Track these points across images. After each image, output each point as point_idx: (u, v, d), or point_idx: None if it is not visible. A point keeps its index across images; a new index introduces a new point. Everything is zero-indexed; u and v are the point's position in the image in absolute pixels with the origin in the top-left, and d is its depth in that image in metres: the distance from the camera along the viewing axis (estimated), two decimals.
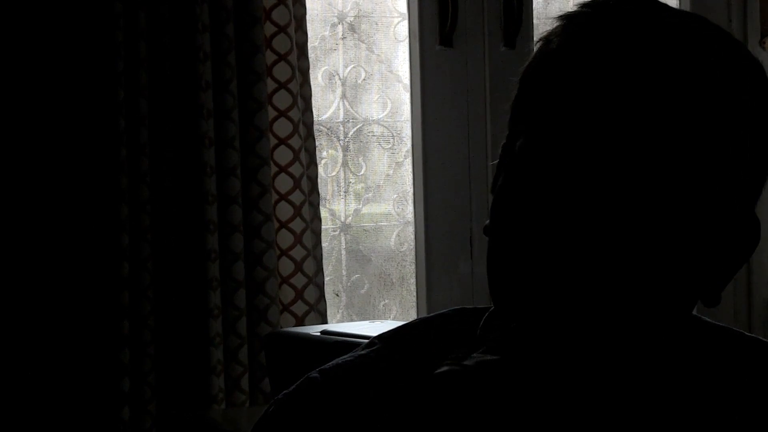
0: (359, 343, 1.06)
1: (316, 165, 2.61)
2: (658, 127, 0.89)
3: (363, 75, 2.83)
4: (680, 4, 3.05)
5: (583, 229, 0.88)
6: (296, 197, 2.56)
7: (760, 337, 1.03)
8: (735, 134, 0.92)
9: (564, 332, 0.90)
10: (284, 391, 1.02)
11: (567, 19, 0.94)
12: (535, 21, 2.90)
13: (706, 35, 0.94)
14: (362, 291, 2.86)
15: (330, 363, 1.02)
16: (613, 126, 0.89)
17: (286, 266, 2.57)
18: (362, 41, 2.84)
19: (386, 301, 2.88)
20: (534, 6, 2.90)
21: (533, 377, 0.94)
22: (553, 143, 0.90)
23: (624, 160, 0.89)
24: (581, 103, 0.90)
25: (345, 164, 2.82)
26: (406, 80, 2.85)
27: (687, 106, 0.90)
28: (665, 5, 0.95)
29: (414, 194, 2.86)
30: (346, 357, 1.02)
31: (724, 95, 0.91)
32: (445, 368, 0.94)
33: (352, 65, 2.83)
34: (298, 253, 2.57)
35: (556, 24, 0.95)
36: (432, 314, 1.06)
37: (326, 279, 2.67)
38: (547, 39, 0.95)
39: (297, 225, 2.57)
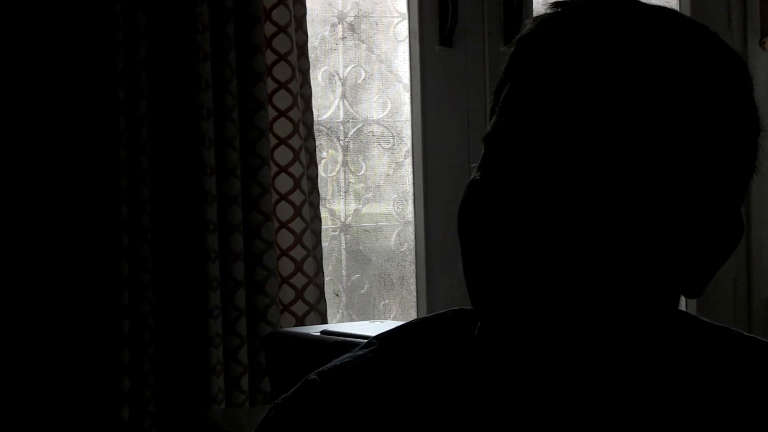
0: (359, 343, 1.05)
1: (316, 165, 2.61)
2: (635, 121, 0.88)
3: (363, 75, 2.84)
4: (680, 3, 3.05)
5: (559, 225, 0.88)
6: (296, 197, 2.56)
7: (759, 337, 1.02)
8: (716, 127, 0.91)
9: (543, 329, 0.90)
10: (283, 395, 1.02)
11: (538, 20, 0.94)
12: None
13: (683, 30, 0.92)
14: (362, 291, 2.86)
15: (328, 365, 1.02)
16: (589, 122, 0.88)
17: (286, 266, 2.57)
18: (362, 41, 2.84)
19: (386, 301, 2.88)
20: (534, 6, 2.90)
21: (516, 375, 0.94)
22: (525, 140, 0.90)
23: (601, 154, 0.88)
24: (553, 101, 0.89)
25: (345, 164, 2.82)
26: (406, 80, 2.85)
27: (664, 97, 0.89)
28: (638, 2, 0.94)
29: (414, 194, 2.86)
30: (344, 358, 1.02)
31: (703, 88, 0.90)
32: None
33: (352, 65, 2.83)
34: (298, 253, 2.57)
35: (528, 26, 0.95)
36: (430, 314, 1.06)
37: (326, 279, 2.67)
38: (517, 42, 0.95)
39: (297, 225, 2.57)
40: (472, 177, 0.94)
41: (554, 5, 0.94)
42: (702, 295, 0.95)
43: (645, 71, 0.89)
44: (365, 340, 1.05)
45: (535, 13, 2.96)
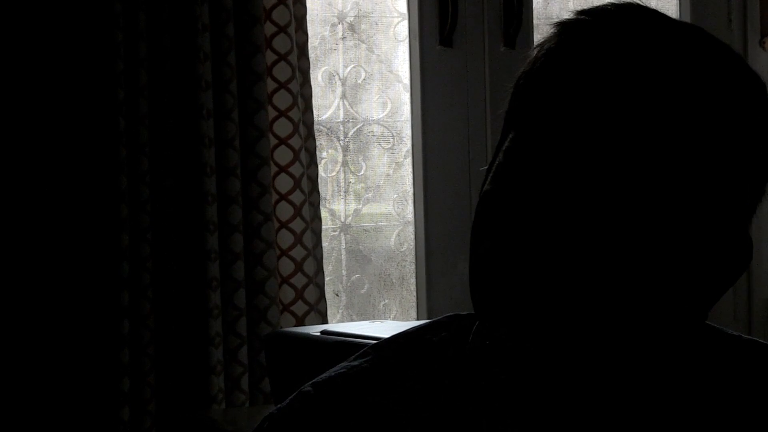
0: (359, 344, 1.05)
1: (316, 165, 2.61)
2: (652, 136, 0.88)
3: (363, 75, 2.83)
4: (680, 3, 3.04)
5: (569, 235, 0.87)
6: (296, 197, 2.56)
7: (759, 339, 1.02)
8: (730, 149, 0.90)
9: (547, 339, 0.89)
10: (278, 406, 1.01)
11: (563, 25, 0.93)
12: (535, 21, 2.90)
13: (706, 48, 0.92)
14: (362, 291, 2.86)
15: (323, 375, 1.01)
16: (607, 133, 0.88)
17: (286, 266, 2.57)
18: (362, 41, 2.84)
19: (386, 301, 2.88)
20: (534, 6, 2.90)
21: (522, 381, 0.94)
22: (542, 146, 0.89)
23: (616, 167, 0.87)
24: (572, 108, 0.89)
25: (345, 164, 2.82)
26: (406, 80, 2.85)
27: (683, 115, 0.88)
28: (665, 15, 0.93)
29: (414, 194, 2.86)
30: (338, 368, 1.01)
31: (722, 107, 0.90)
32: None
33: (352, 65, 2.83)
34: (298, 253, 2.57)
35: (552, 31, 0.94)
36: (426, 322, 1.05)
37: (326, 279, 2.67)
38: (542, 46, 0.94)
39: (297, 225, 2.57)
40: (484, 188, 0.93)
41: (581, 12, 0.93)
42: (705, 320, 0.95)
43: (669, 90, 0.88)
44: (365, 340, 1.05)
45: (535, 13, 2.95)
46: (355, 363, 1.01)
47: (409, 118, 2.85)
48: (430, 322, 1.04)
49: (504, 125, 0.96)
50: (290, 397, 1.01)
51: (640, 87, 0.88)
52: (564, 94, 0.89)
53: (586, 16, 0.92)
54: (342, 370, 1.01)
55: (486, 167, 0.95)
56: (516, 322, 0.89)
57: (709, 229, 0.91)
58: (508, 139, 0.93)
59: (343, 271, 2.84)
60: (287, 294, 2.57)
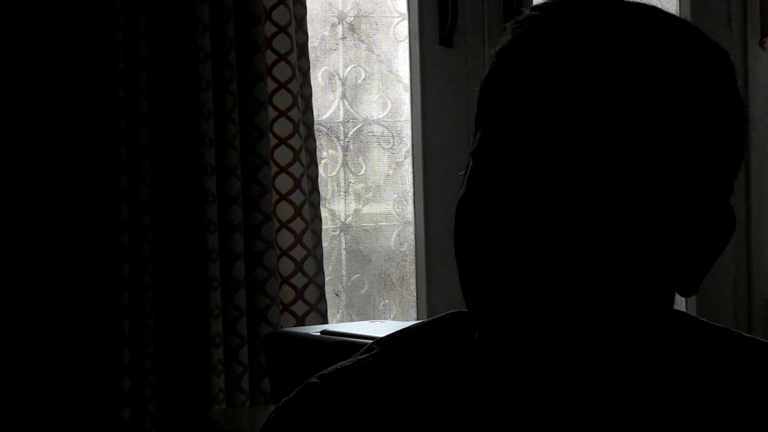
0: (359, 344, 1.05)
1: (316, 165, 2.62)
2: (622, 122, 0.87)
3: (363, 75, 2.84)
4: (680, 3, 3.05)
5: (549, 227, 0.87)
6: (296, 197, 2.56)
7: (759, 338, 1.02)
8: (702, 120, 0.90)
9: (539, 336, 0.89)
10: (284, 399, 1.01)
11: (516, 22, 0.93)
12: None
13: (664, 25, 0.91)
14: (362, 291, 2.86)
15: (329, 368, 1.01)
16: (575, 125, 0.87)
17: (286, 266, 2.57)
18: (362, 41, 2.84)
19: (386, 301, 2.88)
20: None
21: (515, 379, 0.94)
22: (502, 144, 0.89)
23: (589, 158, 0.87)
24: (528, 104, 0.88)
25: (345, 164, 2.82)
26: (406, 80, 2.85)
27: (649, 95, 0.87)
28: (618, 1, 0.92)
29: (414, 194, 2.86)
30: (345, 362, 1.02)
31: (687, 82, 0.89)
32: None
33: (352, 65, 2.83)
34: (298, 253, 2.57)
35: (507, 35, 0.93)
36: (429, 319, 1.05)
37: (326, 279, 2.67)
38: (497, 54, 0.93)
39: (297, 225, 2.57)
40: (460, 192, 0.93)
41: (534, 8, 0.93)
42: (697, 293, 0.95)
43: (629, 71, 0.88)
44: (365, 340, 1.05)
45: None
46: (362, 357, 1.01)
47: (409, 118, 2.85)
48: (432, 320, 1.04)
49: (474, 129, 0.96)
50: (297, 389, 1.01)
51: (601, 75, 0.88)
52: (517, 90, 0.89)
53: (537, 11, 0.92)
54: (349, 363, 1.01)
55: (463, 172, 0.96)
56: (492, 317, 0.90)
57: (689, 202, 0.90)
58: (475, 141, 0.93)
59: (343, 271, 2.84)
60: (287, 294, 2.57)
